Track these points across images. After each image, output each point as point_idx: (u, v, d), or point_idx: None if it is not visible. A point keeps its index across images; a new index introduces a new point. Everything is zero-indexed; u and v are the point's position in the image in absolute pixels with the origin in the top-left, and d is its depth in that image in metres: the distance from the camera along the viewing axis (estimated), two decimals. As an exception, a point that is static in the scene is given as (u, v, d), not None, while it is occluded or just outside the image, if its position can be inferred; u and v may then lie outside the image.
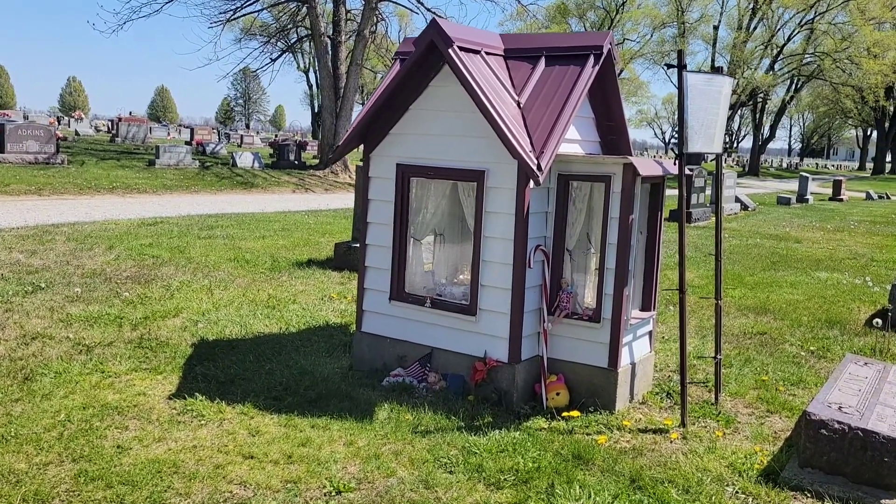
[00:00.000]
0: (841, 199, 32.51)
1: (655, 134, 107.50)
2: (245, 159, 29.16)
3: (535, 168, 4.93)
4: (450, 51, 5.17)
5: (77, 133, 41.98)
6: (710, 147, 5.09)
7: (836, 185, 33.98)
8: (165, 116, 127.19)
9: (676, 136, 4.75)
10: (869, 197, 35.62)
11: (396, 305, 5.79)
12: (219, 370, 5.80)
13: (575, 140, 5.65)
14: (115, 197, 19.74)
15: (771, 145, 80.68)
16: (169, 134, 56.51)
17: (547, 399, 5.35)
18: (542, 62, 5.63)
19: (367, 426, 4.87)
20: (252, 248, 11.15)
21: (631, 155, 6.00)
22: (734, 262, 12.76)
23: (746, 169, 64.41)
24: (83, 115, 57.23)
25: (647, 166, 5.11)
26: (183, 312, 7.35)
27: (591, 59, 5.44)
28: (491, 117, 5.08)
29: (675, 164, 4.98)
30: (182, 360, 6.01)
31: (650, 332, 5.87)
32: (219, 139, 50.94)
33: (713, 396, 5.75)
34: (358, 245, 9.64)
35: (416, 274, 5.91)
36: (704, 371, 6.39)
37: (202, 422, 4.84)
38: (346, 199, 19.64)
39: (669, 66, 4.80)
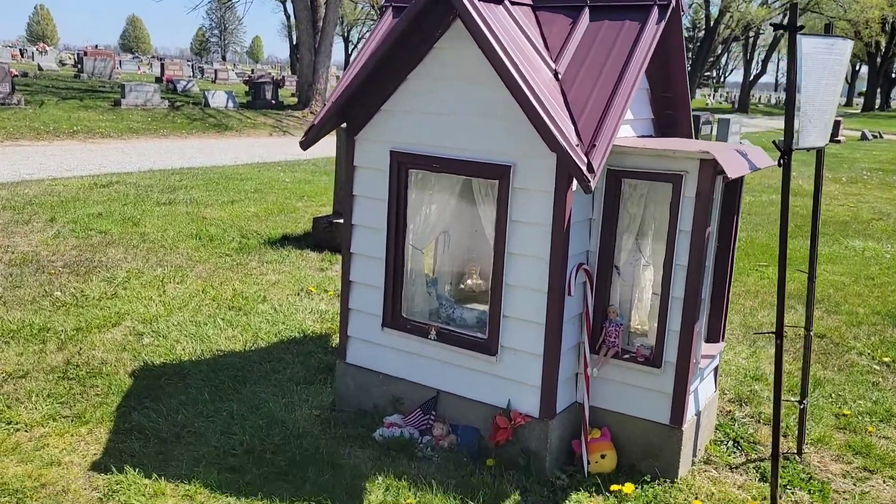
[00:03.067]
0: (839, 141, 31.29)
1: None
2: (218, 99, 27.31)
3: (583, 168, 3.57)
4: (464, 0, 3.73)
5: (40, 68, 39.45)
6: (824, 139, 3.75)
7: (835, 126, 32.73)
8: (138, 48, 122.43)
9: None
10: (864, 137, 34.48)
11: (391, 334, 4.48)
12: (162, 417, 4.50)
13: (625, 120, 4.27)
14: (75, 143, 18.08)
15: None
16: (139, 68, 53.74)
17: (589, 462, 4.12)
18: (586, 15, 4.20)
19: (356, 518, 3.62)
20: (218, 217, 9.73)
21: (692, 135, 4.65)
22: (755, 227, 11.56)
23: (736, 106, 62.84)
24: (47, 48, 54.09)
25: (734, 163, 3.76)
26: (126, 320, 6.00)
27: (655, 12, 4.02)
28: (520, 93, 3.69)
29: (779, 163, 3.63)
30: (116, 400, 4.70)
31: (716, 368, 4.63)
32: (192, 74, 48.49)
33: (792, 443, 4.56)
34: (341, 221, 8.27)
35: (416, 293, 4.59)
36: (771, 401, 5.17)
37: (131, 517, 3.57)
38: (327, 146, 18.07)
39: (777, 26, 3.41)
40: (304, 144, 4.40)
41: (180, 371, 5.14)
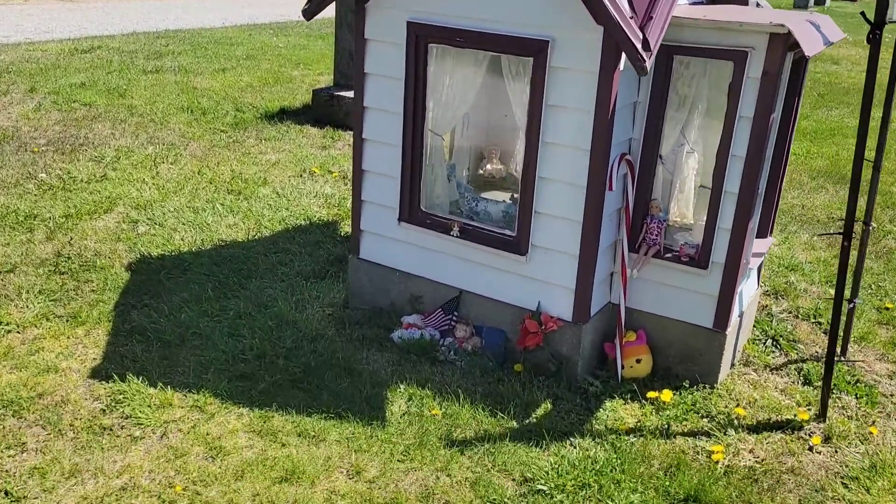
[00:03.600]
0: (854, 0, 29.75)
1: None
2: (201, -47, 25.51)
3: (638, 45, 3.06)
4: None
5: (7, -83, 36.71)
6: (918, 10, 3.23)
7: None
8: None
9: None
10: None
11: (409, 229, 4.10)
12: (164, 317, 4.19)
13: (679, -15, 3.70)
14: (51, 0, 16.94)
15: (776, -68, 74.44)
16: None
17: (623, 367, 3.87)
18: None
19: (379, 431, 3.38)
20: (210, 88, 9.10)
21: (747, 1, 4.08)
22: (778, 97, 10.94)
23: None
24: None
25: (811, 37, 3.25)
26: (118, 205, 5.59)
27: None
28: (563, -46, 3.12)
29: (868, 38, 3.12)
30: (113, 297, 4.38)
31: (761, 265, 4.29)
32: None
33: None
34: (342, 94, 7.70)
35: (435, 184, 4.17)
36: (809, 293, 4.90)
37: (137, 431, 3.32)
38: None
39: None
40: (308, 13, 3.83)
41: (180, 264, 4.80)
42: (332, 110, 7.78)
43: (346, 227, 5.45)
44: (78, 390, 3.57)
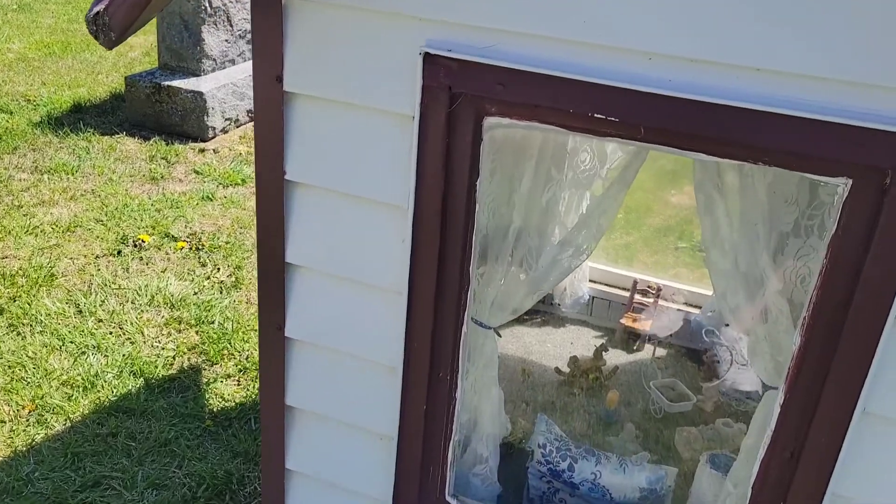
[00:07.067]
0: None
1: None
2: None
3: None
4: None
5: None
6: None
7: None
8: None
9: None
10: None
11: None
12: None
13: None
14: None
15: None
16: None
17: None
18: None
19: None
20: (-46, 65, 5.82)
21: None
22: None
23: None
24: None
25: None
26: None
27: None
28: None
29: None
30: None
31: None
32: None
33: None
34: (174, 83, 4.85)
35: (478, 434, 1.72)
36: None
37: None
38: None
39: None
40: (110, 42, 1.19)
41: None
42: (159, 110, 4.92)
43: (227, 392, 2.87)
44: None
